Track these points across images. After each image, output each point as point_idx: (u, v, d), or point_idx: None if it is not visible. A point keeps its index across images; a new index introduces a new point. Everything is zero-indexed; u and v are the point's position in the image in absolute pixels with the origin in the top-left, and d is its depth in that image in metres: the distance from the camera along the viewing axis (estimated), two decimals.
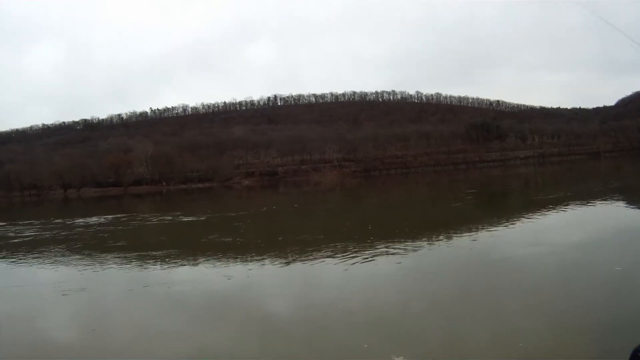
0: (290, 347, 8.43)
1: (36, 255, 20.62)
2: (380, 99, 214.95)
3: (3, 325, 10.94)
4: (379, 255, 15.51)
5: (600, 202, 26.76)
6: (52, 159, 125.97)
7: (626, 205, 26.06)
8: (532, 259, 13.68)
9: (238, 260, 16.80)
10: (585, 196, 29.92)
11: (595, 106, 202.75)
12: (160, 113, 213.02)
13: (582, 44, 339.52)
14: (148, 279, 14.66)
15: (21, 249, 22.52)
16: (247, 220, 30.62)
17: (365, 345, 8.01)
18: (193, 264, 16.74)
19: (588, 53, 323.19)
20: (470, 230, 20.38)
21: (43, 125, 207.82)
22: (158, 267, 16.42)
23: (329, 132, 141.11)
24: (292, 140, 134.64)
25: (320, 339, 8.66)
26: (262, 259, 16.71)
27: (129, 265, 17.00)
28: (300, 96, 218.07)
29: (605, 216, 22.03)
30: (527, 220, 22.39)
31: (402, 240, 18.17)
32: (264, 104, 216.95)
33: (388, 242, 17.65)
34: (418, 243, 17.86)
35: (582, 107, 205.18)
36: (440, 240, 18.66)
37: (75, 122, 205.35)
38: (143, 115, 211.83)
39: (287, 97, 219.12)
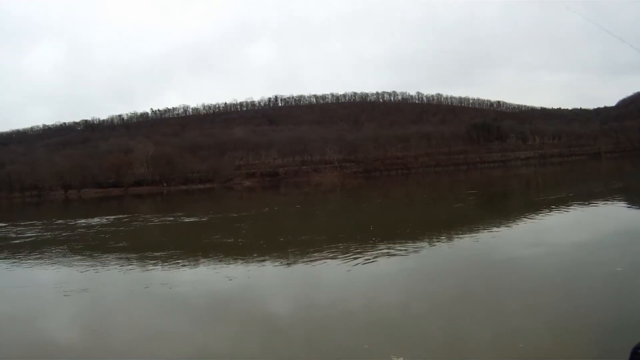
0: (291, 348, 8.45)
1: (38, 255, 20.64)
2: (381, 100, 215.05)
3: (4, 326, 10.97)
4: (381, 256, 15.53)
5: (602, 203, 26.74)
6: (52, 159, 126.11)
7: (627, 205, 26.07)
8: (533, 259, 13.68)
9: (240, 261, 16.83)
10: (587, 197, 29.90)
11: (596, 107, 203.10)
12: (161, 114, 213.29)
13: (582, 44, 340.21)
14: (149, 279, 14.67)
15: (23, 250, 22.55)
16: (249, 221, 30.64)
17: (366, 346, 8.03)
18: (194, 265, 16.75)
19: (589, 53, 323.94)
20: (471, 231, 20.41)
21: (44, 125, 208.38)
22: (160, 267, 16.46)
23: (330, 133, 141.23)
24: (293, 141, 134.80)
25: (320, 340, 8.68)
26: (264, 259, 16.73)
27: (130, 266, 17.02)
28: (301, 97, 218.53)
29: (606, 217, 22.01)
30: (528, 220, 22.39)
31: (404, 240, 18.18)
32: (265, 104, 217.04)
33: (390, 243, 17.67)
34: (420, 244, 17.86)
35: (583, 107, 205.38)
36: (442, 240, 18.67)
37: (76, 123, 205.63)
38: (144, 115, 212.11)
39: (287, 97, 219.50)
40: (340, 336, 8.69)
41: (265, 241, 21.31)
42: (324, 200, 51.86)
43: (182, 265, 16.66)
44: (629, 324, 7.75)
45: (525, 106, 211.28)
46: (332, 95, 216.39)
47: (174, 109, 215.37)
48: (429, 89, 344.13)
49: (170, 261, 17.32)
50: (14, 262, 19.77)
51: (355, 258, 15.29)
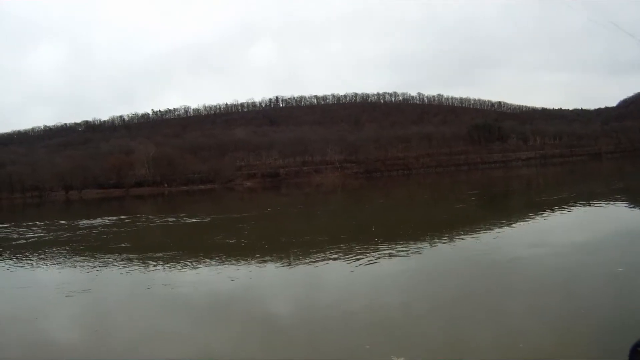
0: (292, 348, 8.47)
1: (40, 256, 20.70)
2: (382, 100, 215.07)
3: (6, 326, 11.02)
4: (383, 256, 15.55)
5: (603, 203, 26.73)
6: (53, 160, 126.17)
7: (628, 206, 26.06)
8: (535, 259, 13.70)
9: (242, 261, 16.84)
10: (588, 197, 29.91)
11: (597, 107, 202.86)
12: (162, 114, 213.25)
13: (583, 44, 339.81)
14: (151, 280, 14.71)
15: (25, 250, 22.60)
16: (251, 222, 30.65)
17: (367, 347, 8.05)
18: (197, 265, 16.76)
19: (590, 53, 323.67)
20: (473, 231, 20.45)
21: (45, 126, 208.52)
22: (162, 268, 16.50)
23: (331, 134, 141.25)
24: (294, 142, 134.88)
25: (321, 340, 8.71)
26: (266, 260, 16.77)
27: (132, 267, 17.05)
28: (301, 97, 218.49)
29: (607, 217, 22.01)
30: (530, 221, 22.45)
31: (406, 241, 18.20)
32: (266, 105, 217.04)
33: (392, 244, 17.69)
34: (421, 244, 17.88)
35: (584, 108, 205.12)
36: (444, 241, 18.69)
37: (77, 124, 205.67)
38: (145, 116, 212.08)
39: (288, 98, 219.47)
40: (341, 337, 8.72)
41: (267, 242, 21.31)
42: (325, 201, 51.88)
43: (184, 266, 16.69)
44: (630, 324, 7.75)
45: (526, 106, 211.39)
46: (333, 95, 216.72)
47: (174, 109, 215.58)
48: (430, 90, 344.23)
49: (173, 262, 17.37)
50: (17, 263, 19.81)
51: (358, 259, 15.31)
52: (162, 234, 27.76)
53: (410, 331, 8.81)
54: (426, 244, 17.99)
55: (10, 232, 32.01)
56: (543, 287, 10.87)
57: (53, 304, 12.89)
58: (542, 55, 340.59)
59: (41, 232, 30.46)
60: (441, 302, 10.49)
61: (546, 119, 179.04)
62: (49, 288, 14.58)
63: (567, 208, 25.52)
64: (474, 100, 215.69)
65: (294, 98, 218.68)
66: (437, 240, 18.78)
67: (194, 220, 33.48)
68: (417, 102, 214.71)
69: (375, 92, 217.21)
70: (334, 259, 15.68)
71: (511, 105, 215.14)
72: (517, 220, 22.75)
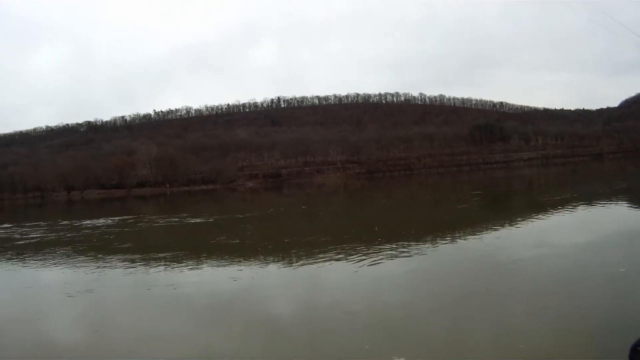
0: (293, 349, 8.51)
1: (43, 257, 20.76)
2: (384, 101, 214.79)
3: (8, 326, 11.07)
4: (386, 257, 15.58)
5: (605, 204, 26.75)
6: (55, 161, 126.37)
7: (630, 206, 26.07)
8: (537, 260, 13.72)
9: (245, 262, 16.87)
10: (590, 198, 29.89)
11: (598, 107, 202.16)
12: (164, 115, 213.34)
13: (583, 44, 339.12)
14: (154, 280, 14.76)
15: (28, 251, 22.68)
16: (254, 222, 30.69)
17: (367, 347, 8.09)
18: (199, 266, 16.80)
19: (590, 54, 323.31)
20: (475, 232, 20.46)
21: (47, 127, 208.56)
22: (165, 268, 16.51)
23: (333, 134, 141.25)
24: (296, 142, 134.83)
25: (323, 341, 8.75)
26: (269, 260, 16.82)
27: (135, 267, 17.10)
28: (303, 98, 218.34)
29: (609, 218, 22.02)
30: (532, 221, 22.48)
31: (409, 241, 18.23)
32: (268, 106, 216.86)
33: (394, 244, 17.73)
34: (424, 245, 17.91)
35: (586, 108, 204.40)
36: (447, 241, 18.69)
37: (78, 124, 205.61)
38: (146, 117, 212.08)
39: (290, 99, 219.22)
40: (342, 337, 8.76)
41: (270, 242, 21.34)
42: (327, 202, 51.91)
43: (188, 266, 16.73)
44: (632, 325, 7.75)
45: (527, 107, 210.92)
46: (335, 96, 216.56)
47: (176, 110, 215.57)
48: (431, 90, 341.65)
49: (175, 262, 17.40)
50: (20, 263, 19.90)
51: (360, 259, 15.34)
52: (164, 234, 27.81)
53: (411, 331, 8.84)
54: (429, 245, 18.01)
55: (13, 232, 32.08)
56: (544, 287, 10.90)
57: (55, 304, 12.96)
58: (542, 56, 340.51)
59: (44, 233, 30.53)
60: (443, 302, 10.53)
61: (548, 119, 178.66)
62: (51, 288, 14.66)
63: (569, 208, 25.52)
64: (476, 100, 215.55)
65: (295, 98, 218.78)
66: (440, 241, 18.78)
67: (197, 220, 33.52)
68: (419, 102, 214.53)
69: (377, 93, 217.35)
70: (337, 260, 15.72)
71: (513, 105, 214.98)
72: (519, 221, 22.74)
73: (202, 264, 17.11)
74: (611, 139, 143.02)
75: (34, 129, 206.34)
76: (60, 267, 17.95)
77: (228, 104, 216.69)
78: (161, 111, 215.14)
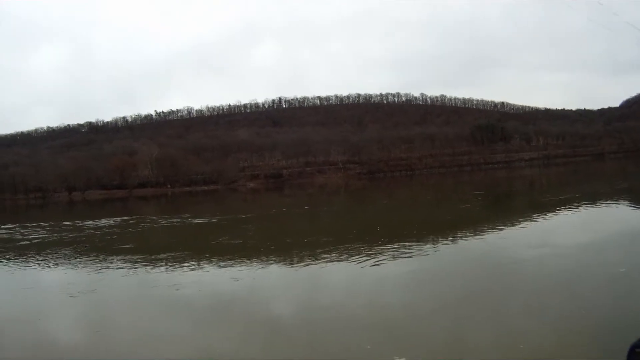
0: (293, 349, 8.54)
1: (45, 257, 20.78)
2: (385, 101, 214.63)
3: (10, 327, 11.10)
4: (388, 257, 15.58)
5: (606, 204, 26.74)
6: (57, 161, 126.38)
7: (632, 206, 26.06)
8: (538, 260, 13.73)
9: (246, 262, 16.89)
10: (591, 197, 29.88)
11: (600, 107, 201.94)
12: (165, 116, 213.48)
13: (585, 44, 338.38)
14: (156, 280, 14.80)
15: (30, 251, 22.72)
16: (256, 223, 30.75)
17: (368, 347, 8.10)
18: (201, 266, 16.80)
19: (590, 54, 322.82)
20: (477, 232, 20.47)
21: (48, 127, 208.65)
22: (167, 269, 16.55)
23: (334, 135, 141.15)
24: (297, 143, 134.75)
25: (323, 341, 8.77)
26: (271, 261, 16.85)
27: (137, 268, 17.14)
28: (304, 98, 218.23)
29: (611, 217, 22.02)
30: (534, 221, 22.48)
31: (411, 242, 18.23)
32: (269, 106, 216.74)
33: (397, 244, 17.75)
34: (426, 245, 17.91)
35: (587, 108, 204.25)
36: (449, 241, 18.73)
37: (80, 125, 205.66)
38: (148, 117, 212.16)
39: (291, 99, 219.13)
40: (343, 337, 8.77)
41: (272, 242, 21.32)
42: (329, 202, 51.89)
43: (190, 267, 16.74)
44: (633, 325, 7.77)
45: (529, 107, 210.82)
46: (336, 96, 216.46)
47: (177, 110, 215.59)
48: (433, 90, 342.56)
49: (177, 263, 17.43)
50: (22, 264, 19.94)
51: (363, 260, 15.36)
52: (166, 234, 27.86)
53: (412, 331, 8.87)
54: (430, 245, 18.01)
55: (15, 232, 32.14)
56: (545, 287, 10.92)
57: (57, 304, 12.99)
58: (542, 55, 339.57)
59: (46, 233, 30.57)
60: (444, 302, 10.54)
61: (549, 119, 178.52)
62: (53, 289, 14.71)
63: (571, 208, 25.53)
64: (477, 100, 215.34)
65: (296, 99, 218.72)
66: (442, 241, 18.81)
67: (199, 221, 33.56)
68: (420, 102, 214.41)
69: (378, 93, 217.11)
70: (339, 260, 15.75)
71: (514, 105, 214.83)
72: (521, 221, 22.74)
73: (204, 264, 17.11)
74: (612, 139, 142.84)
75: (35, 130, 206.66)
76: (63, 268, 17.99)
77: (229, 105, 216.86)
78: (162, 112, 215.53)
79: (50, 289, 14.88)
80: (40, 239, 27.44)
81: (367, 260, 15.23)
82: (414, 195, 53.08)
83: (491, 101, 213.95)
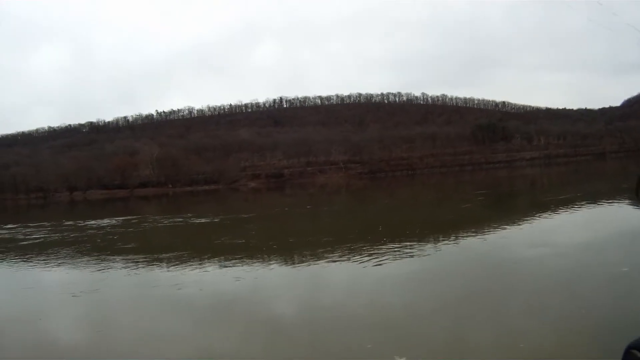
0: (294, 348, 8.56)
1: (47, 257, 20.84)
2: (386, 101, 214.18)
3: (11, 327, 11.14)
4: (390, 257, 15.60)
5: (607, 203, 26.74)
6: (58, 161, 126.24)
7: (633, 206, 26.03)
8: (539, 260, 13.73)
9: (248, 261, 16.93)
10: (593, 197, 29.87)
11: (601, 107, 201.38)
12: (166, 115, 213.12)
13: (585, 44, 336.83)
14: (158, 280, 14.83)
15: (32, 251, 22.75)
16: (258, 222, 30.78)
17: (369, 346, 8.13)
18: (203, 266, 16.83)
19: (590, 53, 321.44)
20: (479, 232, 20.45)
21: (49, 127, 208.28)
22: (169, 268, 16.61)
23: (335, 134, 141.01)
24: (298, 142, 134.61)
25: (324, 341, 8.78)
26: (273, 260, 16.88)
27: (139, 267, 17.17)
28: (305, 98, 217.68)
29: (612, 217, 22.01)
30: (535, 221, 22.49)
31: (413, 241, 18.26)
32: (270, 106, 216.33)
33: (398, 244, 17.77)
34: (428, 244, 17.95)
35: (588, 107, 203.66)
36: (450, 241, 18.74)
37: (81, 125, 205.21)
38: (149, 117, 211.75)
39: (292, 99, 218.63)
40: (344, 337, 8.80)
41: (274, 242, 21.34)
42: (330, 202, 51.90)
43: (191, 266, 16.77)
44: (633, 324, 7.77)
45: (530, 106, 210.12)
46: (337, 96, 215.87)
47: (178, 110, 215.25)
48: (434, 90, 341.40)
49: (179, 262, 17.47)
50: (24, 264, 19.97)
51: (364, 259, 15.38)
52: (168, 234, 27.90)
53: (413, 331, 8.89)
54: (432, 244, 18.04)
55: (16, 232, 32.17)
56: (546, 287, 10.93)
57: (58, 304, 13.03)
58: (545, 55, 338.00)
59: (47, 233, 30.61)
60: (445, 302, 10.56)
61: (550, 119, 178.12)
62: (55, 288, 14.75)
63: (572, 208, 25.52)
64: (478, 100, 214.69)
65: (297, 99, 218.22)
66: (443, 240, 18.85)
67: (201, 220, 33.60)
68: (421, 102, 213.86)
69: (379, 93, 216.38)
70: (341, 260, 15.78)
71: (515, 105, 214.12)
72: (522, 220, 22.78)
73: (206, 264, 17.14)
74: (613, 139, 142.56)
75: (36, 130, 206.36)
76: (65, 268, 18.05)
77: (230, 104, 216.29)
78: (163, 111, 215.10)
79: (52, 288, 14.92)
80: (42, 239, 27.48)
81: (369, 260, 15.25)
82: (415, 195, 53.09)
83: (492, 101, 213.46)
